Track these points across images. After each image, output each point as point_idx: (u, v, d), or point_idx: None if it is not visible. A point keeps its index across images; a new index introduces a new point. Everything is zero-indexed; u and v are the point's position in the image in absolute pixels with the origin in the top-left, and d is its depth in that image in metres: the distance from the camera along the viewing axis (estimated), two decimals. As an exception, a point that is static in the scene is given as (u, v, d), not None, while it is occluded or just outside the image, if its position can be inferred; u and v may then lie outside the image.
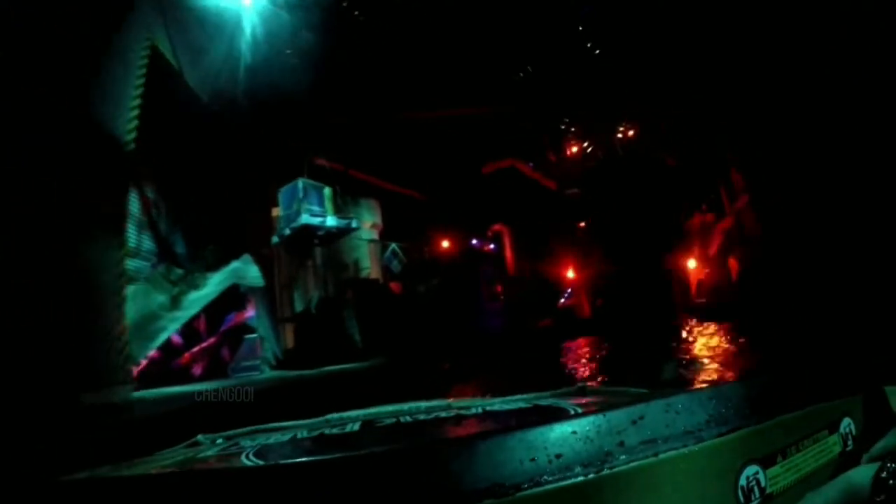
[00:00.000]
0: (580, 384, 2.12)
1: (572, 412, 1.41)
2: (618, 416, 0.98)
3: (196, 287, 13.14)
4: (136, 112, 10.11)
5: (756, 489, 0.99)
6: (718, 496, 0.96)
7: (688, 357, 13.49)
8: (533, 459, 0.88)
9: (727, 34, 18.25)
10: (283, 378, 12.40)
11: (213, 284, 12.67)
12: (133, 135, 9.82)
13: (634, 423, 0.98)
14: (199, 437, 1.86)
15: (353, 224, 13.36)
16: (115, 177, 8.73)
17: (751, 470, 1.00)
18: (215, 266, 14.10)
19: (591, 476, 0.86)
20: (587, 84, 21.28)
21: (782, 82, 17.28)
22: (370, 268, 21.47)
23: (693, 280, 22.64)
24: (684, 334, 17.45)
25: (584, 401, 1.70)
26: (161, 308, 13.04)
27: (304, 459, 0.96)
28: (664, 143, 22.43)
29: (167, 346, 14.97)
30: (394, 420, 1.72)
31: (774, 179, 17.87)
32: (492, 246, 25.53)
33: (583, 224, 26.74)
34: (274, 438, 1.62)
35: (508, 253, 25.68)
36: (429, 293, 21.93)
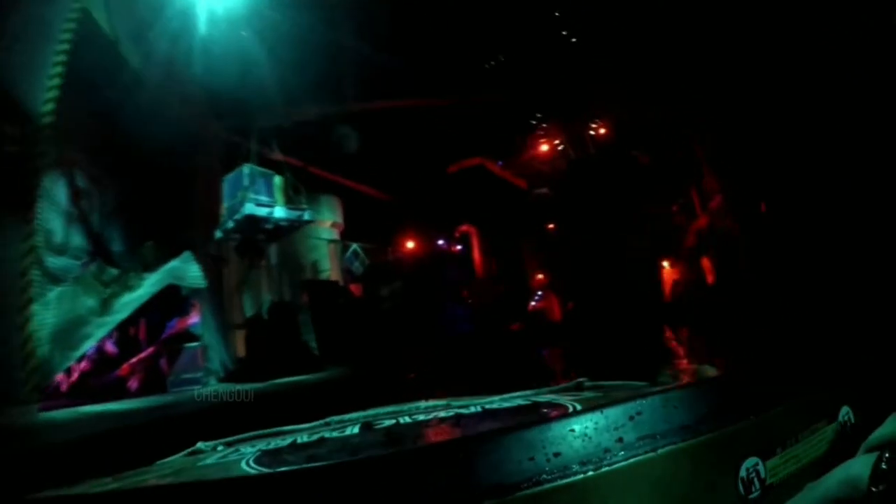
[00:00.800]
0: (579, 379, 2.09)
1: (570, 409, 1.41)
2: (616, 411, 1.00)
3: (130, 289, 11.72)
4: (55, 83, 8.72)
5: (756, 481, 0.99)
6: (719, 489, 0.96)
7: (671, 360, 13.16)
8: (532, 458, 0.88)
9: (701, 29, 17.84)
10: (225, 393, 11.08)
11: (148, 286, 11.28)
12: (50, 107, 8.44)
13: (633, 418, 0.99)
14: (200, 444, 1.85)
15: (306, 216, 12.12)
16: (20, 153, 7.37)
17: (750, 462, 1.00)
18: (155, 265, 12.68)
19: (590, 473, 0.86)
20: (559, 78, 20.60)
21: (759, 76, 16.94)
22: (330, 269, 20.24)
23: (667, 281, 22.12)
24: (657, 337, 16.97)
25: (582, 396, 1.68)
26: (90, 313, 11.55)
27: (304, 466, 1.01)
28: (637, 141, 21.87)
29: (100, 356, 13.52)
30: (393, 421, 1.72)
31: (752, 176, 17.45)
32: (459, 247, 24.58)
33: (552, 226, 26.01)
34: (274, 443, 1.62)
35: (476, 254, 24.76)
36: (393, 297, 20.83)
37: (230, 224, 11.35)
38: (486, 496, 0.81)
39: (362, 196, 22.64)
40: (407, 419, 1.73)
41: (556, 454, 0.89)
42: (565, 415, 1.07)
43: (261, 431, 1.93)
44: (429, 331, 19.04)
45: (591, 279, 22.71)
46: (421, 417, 1.75)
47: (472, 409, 1.72)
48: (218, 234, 11.79)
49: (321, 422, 2.00)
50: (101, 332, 10.84)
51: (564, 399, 1.61)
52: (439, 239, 23.81)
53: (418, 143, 22.56)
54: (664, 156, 22.52)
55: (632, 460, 0.89)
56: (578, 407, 1.40)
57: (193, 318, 13.93)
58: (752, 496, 0.99)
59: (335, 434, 1.65)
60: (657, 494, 0.90)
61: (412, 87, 18.96)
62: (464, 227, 24.89)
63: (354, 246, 19.87)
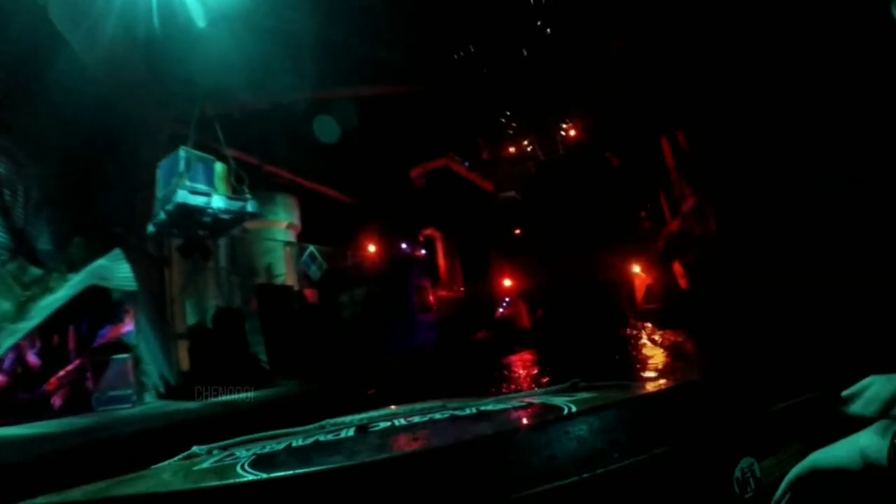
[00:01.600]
0: (573, 380, 2.04)
1: (566, 410, 1.44)
2: (611, 413, 1.08)
3: (51, 290, 10.27)
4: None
5: (751, 480, 1.00)
6: (714, 489, 0.97)
7: (642, 365, 12.67)
8: (527, 461, 0.91)
9: (675, 30, 17.51)
10: (152, 414, 9.70)
11: (69, 288, 9.85)
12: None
13: (627, 419, 1.05)
14: (195, 448, 1.86)
15: (249, 208, 10.75)
16: None
17: (745, 462, 1.01)
18: (83, 263, 11.22)
19: (585, 475, 0.86)
20: (529, 77, 19.93)
21: (736, 75, 16.68)
22: (285, 274, 18.90)
23: (638, 286, 21.63)
24: (634, 342, 16.53)
25: (577, 397, 1.69)
26: (3, 317, 10.08)
27: (298, 471, 1.00)
28: (608, 143, 21.39)
29: (22, 369, 12.01)
30: (389, 423, 1.74)
31: (729, 180, 17.13)
32: (423, 252, 23.54)
33: (518, 231, 25.30)
34: (269, 447, 1.65)
35: (441, 260, 23.76)
36: (353, 304, 19.63)
37: (162, 215, 9.97)
38: (482, 500, 0.80)
39: (322, 197, 21.40)
40: (402, 422, 1.73)
41: (552, 457, 0.89)
42: (560, 417, 1.19)
43: (256, 435, 1.93)
44: (391, 340, 17.96)
45: (562, 285, 22.09)
46: (416, 420, 1.74)
47: (468, 412, 1.72)
48: (150, 227, 10.35)
49: (316, 425, 2.00)
50: (9, 342, 9.37)
51: (559, 400, 1.61)
52: (402, 243, 22.73)
53: (382, 143, 21.56)
54: (636, 158, 22.12)
55: (627, 461, 0.89)
56: (574, 409, 1.42)
57: (128, 326, 12.48)
58: (747, 496, 0.99)
59: (330, 437, 1.65)
60: (653, 495, 0.89)
61: (375, 77, 17.94)
62: (428, 231, 23.88)
63: (311, 248, 18.56)
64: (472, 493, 0.83)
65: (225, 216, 10.75)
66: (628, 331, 18.36)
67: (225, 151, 11.89)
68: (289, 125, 18.75)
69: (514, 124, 23.26)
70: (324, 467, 1.01)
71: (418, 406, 2.05)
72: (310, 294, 17.87)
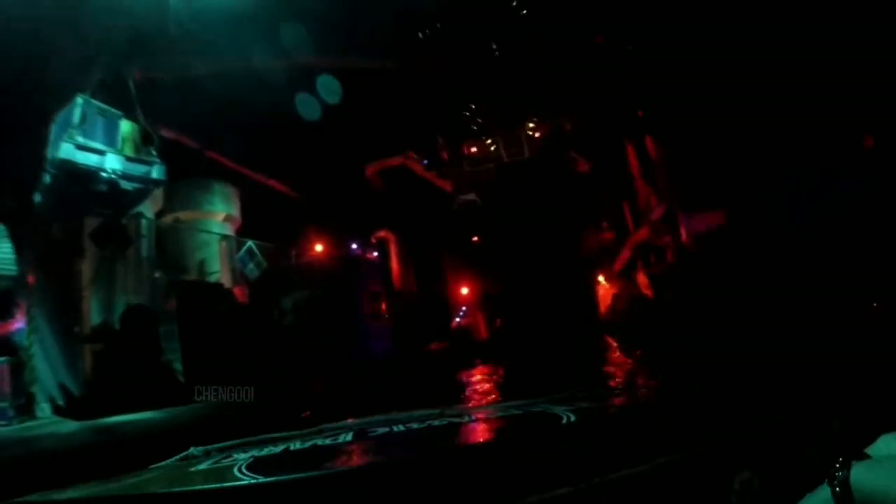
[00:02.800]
0: (572, 389, 2.15)
1: (564, 420, 1.46)
2: (609, 424, 1.14)
3: None
4: None
5: (750, 494, 1.01)
6: (712, 501, 0.98)
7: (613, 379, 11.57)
8: (524, 471, 0.92)
9: (654, 27, 16.82)
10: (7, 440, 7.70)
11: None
12: None
13: (626, 431, 1.11)
14: (192, 449, 1.98)
15: (155, 174, 8.92)
16: None
17: (745, 475, 1.01)
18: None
19: (581, 486, 0.85)
20: (496, 69, 18.77)
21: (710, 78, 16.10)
22: (220, 272, 16.95)
23: (602, 296, 20.64)
24: (601, 354, 15.46)
25: (576, 406, 1.70)
26: None
27: (294, 476, 1.02)
28: (577, 146, 20.42)
29: None
30: (386, 429, 1.81)
31: (703, 187, 16.45)
32: (375, 254, 21.88)
33: (477, 239, 24.00)
34: (267, 450, 1.72)
35: (395, 264, 22.16)
36: (296, 309, 17.76)
37: (47, 178, 8.05)
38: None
39: (267, 189, 19.58)
40: (400, 427, 1.77)
41: (549, 466, 0.91)
42: (559, 425, 1.24)
43: (254, 437, 1.97)
44: (338, 350, 16.24)
45: (522, 294, 20.87)
46: (414, 426, 1.77)
47: (466, 419, 1.82)
48: (36, 196, 8.39)
49: (315, 429, 2.11)
50: None
51: (558, 409, 1.66)
52: (353, 244, 21.02)
53: (336, 135, 19.95)
54: (603, 164, 21.28)
55: (624, 472, 0.88)
56: (572, 418, 1.44)
57: (17, 323, 10.39)
58: None
59: (328, 441, 1.72)
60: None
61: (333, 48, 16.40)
62: (381, 233, 22.26)
63: (250, 243, 16.66)
64: (468, 502, 0.82)
65: (126, 184, 8.85)
66: (594, 342, 17.27)
67: (138, 112, 10.01)
68: (235, 106, 17.00)
69: (478, 120, 21.99)
70: (319, 472, 1.00)
71: (416, 413, 2.12)
72: (244, 295, 15.92)
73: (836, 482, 1.12)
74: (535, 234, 21.52)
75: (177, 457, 1.87)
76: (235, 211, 18.14)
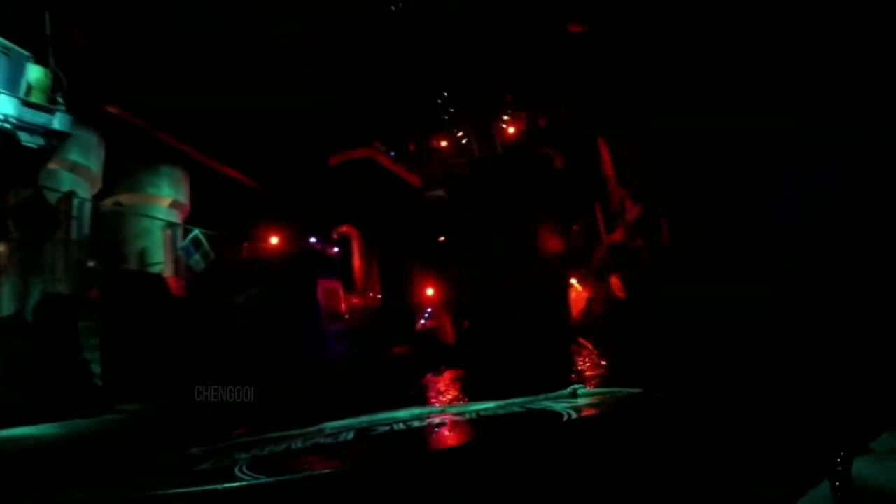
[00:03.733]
0: (574, 386, 2.42)
1: (565, 417, 1.62)
2: (609, 423, 1.31)
3: None
4: None
5: (749, 489, 1.11)
6: (709, 499, 1.05)
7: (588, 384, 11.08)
8: (525, 468, 1.02)
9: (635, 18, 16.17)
10: None
11: None
12: None
13: (625, 429, 1.14)
14: (194, 449, 2.21)
15: (57, 124, 7.55)
16: None
17: (746, 470, 1.16)
18: None
19: (581, 483, 0.99)
20: (471, 54, 17.79)
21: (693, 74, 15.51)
22: (164, 262, 15.45)
23: (574, 299, 19.77)
24: (574, 358, 14.64)
25: (577, 404, 1.92)
26: None
27: (293, 476, 1.16)
28: (550, 143, 19.57)
29: None
30: (388, 428, 1.95)
31: (684, 188, 15.77)
32: (336, 250, 20.57)
33: (444, 239, 22.96)
34: (269, 449, 1.85)
35: (357, 262, 20.89)
36: (247, 306, 16.34)
37: None
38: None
39: (219, 176, 18.12)
40: (402, 426, 1.95)
41: (551, 463, 1.02)
42: (560, 423, 1.34)
43: (257, 436, 2.21)
44: (292, 352, 14.93)
45: (491, 296, 19.91)
46: (416, 424, 2.00)
47: (468, 417, 1.99)
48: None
49: (316, 428, 2.31)
50: None
51: (559, 406, 1.87)
52: (311, 238, 19.64)
53: (299, 122, 18.72)
54: (577, 163, 20.51)
55: (623, 470, 0.99)
56: (573, 416, 1.63)
57: None
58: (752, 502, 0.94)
59: (329, 441, 1.87)
60: (652, 501, 0.96)
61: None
62: (344, 228, 20.97)
63: (196, 231, 15.18)
64: (468, 500, 0.85)
65: (23, 135, 7.47)
66: (566, 346, 16.42)
67: (50, 57, 8.64)
68: (191, 85, 15.74)
69: (450, 110, 20.94)
70: (317, 472, 0.96)
71: (417, 410, 2.49)
72: (185, 288, 14.43)
73: (837, 476, 1.11)
74: (505, 233, 20.66)
75: (178, 455, 2.05)
76: (184, 197, 16.63)
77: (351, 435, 1.96)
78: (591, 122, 19.70)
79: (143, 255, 15.17)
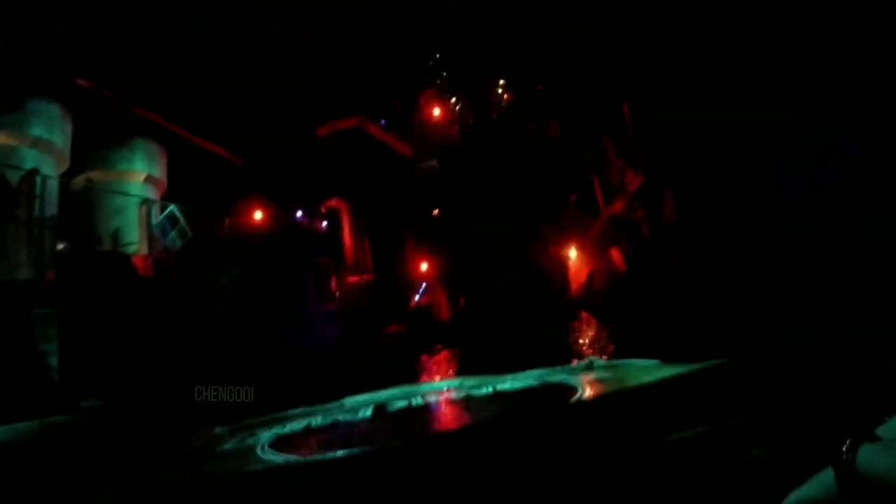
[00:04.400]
0: (590, 358, 3.02)
1: (580, 391, 1.64)
2: (624, 396, 1.45)
3: None
4: None
5: (761, 470, 1.17)
6: (725, 477, 1.01)
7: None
8: (538, 444, 1.05)
9: None
10: None
11: None
12: None
13: (640, 404, 1.23)
14: (217, 428, 2.30)
15: None
16: None
17: (756, 451, 1.03)
18: None
19: (592, 459, 0.99)
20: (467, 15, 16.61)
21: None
22: (139, 242, 14.53)
23: (574, 274, 19.00)
24: (577, 337, 14.04)
25: (593, 377, 1.97)
26: None
27: (315, 458, 1.25)
28: (547, 110, 18.51)
29: None
30: (405, 403, 2.01)
31: (692, 157, 14.99)
32: (325, 225, 19.59)
33: (437, 212, 22.02)
34: (289, 427, 1.93)
35: (347, 237, 19.95)
36: (230, 287, 15.44)
37: None
38: (491, 482, 0.90)
39: (199, 150, 17.05)
40: (419, 401, 2.04)
41: (565, 437, 0.99)
42: (574, 397, 1.57)
43: (277, 414, 2.35)
44: (279, 338, 14.10)
45: (487, 270, 19.13)
46: (433, 400, 2.13)
47: (484, 391, 2.02)
48: None
49: (336, 403, 2.62)
50: None
51: (575, 380, 1.93)
52: (298, 212, 18.61)
53: (284, 91, 17.60)
54: (577, 131, 19.53)
55: (636, 446, 0.96)
56: (588, 390, 1.66)
57: None
58: (757, 485, 1.03)
59: (348, 417, 1.93)
60: (662, 481, 0.94)
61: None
62: (333, 202, 19.96)
63: (172, 207, 14.19)
64: (482, 476, 0.88)
65: None
66: (566, 321, 15.80)
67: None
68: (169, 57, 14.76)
69: (442, 74, 19.74)
70: (336, 455, 0.97)
71: (436, 384, 3.09)
72: (160, 269, 13.50)
73: (842, 464, 1.08)
74: (500, 206, 19.78)
75: (201, 434, 1.86)
76: (159, 172, 15.62)
77: (369, 411, 1.94)
78: (592, 89, 18.70)
79: (116, 235, 14.24)
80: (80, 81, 14.42)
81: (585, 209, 20.85)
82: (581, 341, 13.97)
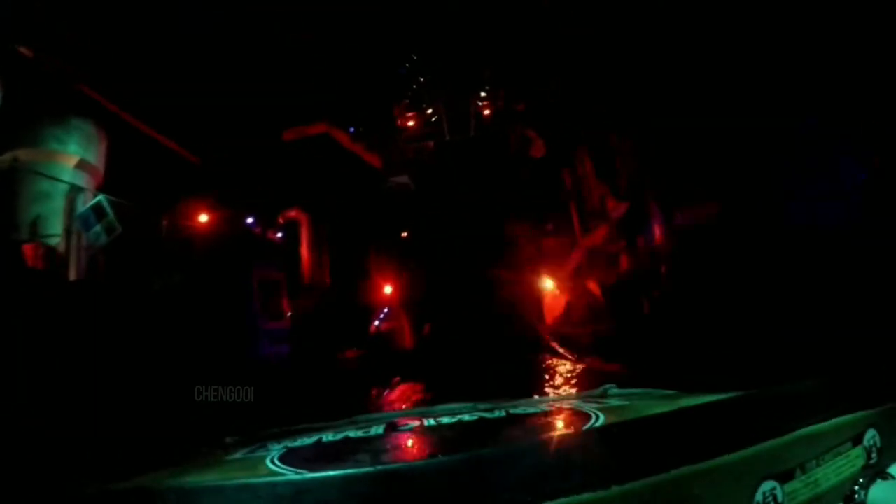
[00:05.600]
0: (605, 386, 2.08)
1: (593, 418, 1.47)
2: (637, 428, 1.00)
3: None
4: None
5: None
6: None
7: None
8: (549, 471, 0.86)
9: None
10: None
11: None
12: None
13: (650, 435, 0.97)
14: (227, 439, 1.92)
15: None
16: None
17: (767, 486, 0.98)
18: None
19: (603, 490, 0.84)
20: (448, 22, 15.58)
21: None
22: (62, 235, 12.68)
23: (549, 304, 17.70)
24: (556, 372, 13.00)
25: (607, 405, 1.70)
26: None
27: (327, 474, 0.91)
28: (530, 124, 17.47)
29: None
30: (417, 423, 1.78)
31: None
32: (279, 235, 17.92)
33: (406, 234, 20.67)
34: (300, 441, 1.68)
35: (305, 251, 18.28)
36: (165, 294, 13.59)
37: None
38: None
39: (145, 138, 15.38)
40: (431, 422, 1.73)
41: (574, 468, 0.85)
42: (587, 427, 1.22)
43: (288, 427, 1.96)
44: (221, 355, 12.36)
45: (456, 296, 17.73)
46: (445, 420, 1.74)
47: (497, 414, 1.73)
48: None
49: (347, 420, 2.04)
50: None
51: (589, 407, 1.63)
52: (250, 218, 16.85)
53: (250, 90, 16.28)
54: (559, 151, 18.55)
55: (646, 479, 0.85)
56: (602, 418, 1.43)
57: None
58: None
59: (360, 433, 1.67)
60: None
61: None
62: (292, 213, 18.36)
63: (100, 198, 12.37)
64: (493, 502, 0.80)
65: None
66: (544, 357, 14.43)
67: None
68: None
69: (420, 80, 18.50)
70: (351, 471, 0.87)
71: (448, 406, 2.03)
72: (28, 250, 11.47)
73: (853, 502, 1.06)
74: (474, 229, 18.55)
75: (211, 445, 1.78)
76: (96, 158, 13.82)
77: (381, 428, 1.60)
78: (576, 109, 17.79)
79: (36, 224, 12.38)
80: (22, 49, 12.90)
81: (562, 237, 19.85)
82: (554, 376, 12.76)
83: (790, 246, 11.97)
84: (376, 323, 17.99)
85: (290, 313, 17.23)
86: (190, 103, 15.91)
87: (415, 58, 17.44)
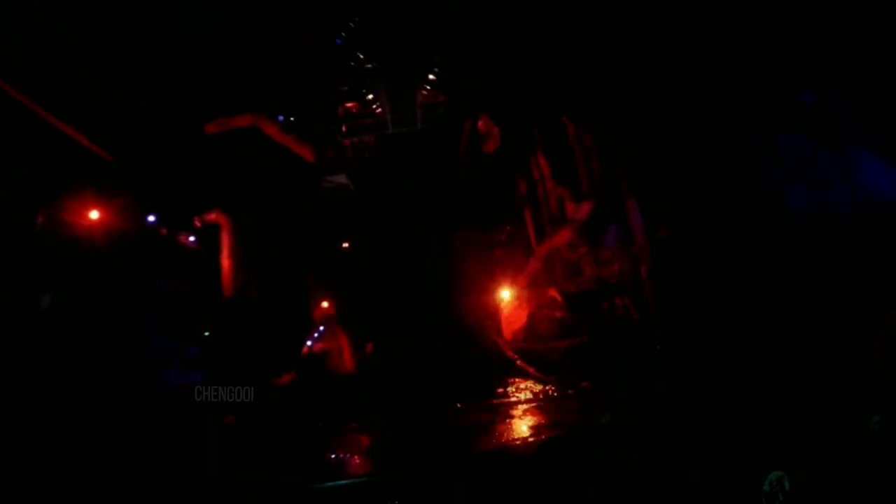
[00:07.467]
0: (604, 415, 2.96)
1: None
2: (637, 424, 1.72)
3: None
4: None
5: (780, 494, 1.16)
6: (741, 503, 1.00)
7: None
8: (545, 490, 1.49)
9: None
10: None
11: None
12: None
13: (655, 429, 1.57)
14: None
15: None
16: None
17: (774, 475, 1.21)
18: None
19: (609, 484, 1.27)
20: None
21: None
22: None
23: (507, 317, 15.84)
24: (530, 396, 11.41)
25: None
26: None
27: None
28: (485, 112, 15.74)
29: None
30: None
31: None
32: (192, 239, 15.26)
33: (347, 245, 18.53)
34: None
35: (226, 260, 15.69)
36: (50, 313, 10.88)
37: None
38: None
39: (33, 116, 12.67)
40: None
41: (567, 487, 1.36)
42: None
43: None
44: (113, 384, 9.87)
45: (403, 310, 15.67)
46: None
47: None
48: None
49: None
50: None
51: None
52: (151, 216, 14.04)
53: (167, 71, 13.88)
54: (514, 150, 16.93)
55: (658, 468, 1.22)
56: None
57: None
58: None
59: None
60: None
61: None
62: (211, 216, 15.78)
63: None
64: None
65: None
66: (514, 381, 12.64)
67: None
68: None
69: (360, 57, 16.29)
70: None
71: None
72: None
73: None
74: (420, 232, 16.65)
75: None
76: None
77: None
78: (532, 102, 16.23)
79: None
80: None
81: (517, 243, 18.24)
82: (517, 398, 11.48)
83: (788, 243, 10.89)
84: (308, 343, 15.56)
85: (206, 333, 14.68)
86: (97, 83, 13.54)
87: (352, 25, 15.26)
